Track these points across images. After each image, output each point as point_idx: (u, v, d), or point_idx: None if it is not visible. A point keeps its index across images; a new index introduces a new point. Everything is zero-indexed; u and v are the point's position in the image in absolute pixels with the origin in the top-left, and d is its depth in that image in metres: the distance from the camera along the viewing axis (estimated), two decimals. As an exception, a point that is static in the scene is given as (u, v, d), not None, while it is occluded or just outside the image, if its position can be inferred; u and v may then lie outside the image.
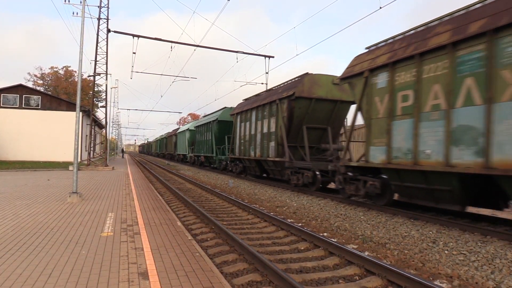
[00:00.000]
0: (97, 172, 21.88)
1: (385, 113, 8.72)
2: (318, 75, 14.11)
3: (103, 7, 25.62)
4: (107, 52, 26.04)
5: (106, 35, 25.56)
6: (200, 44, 21.97)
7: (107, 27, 25.21)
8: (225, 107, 24.68)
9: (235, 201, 11.39)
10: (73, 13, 27.08)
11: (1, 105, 29.43)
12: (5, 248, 5.13)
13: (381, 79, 8.90)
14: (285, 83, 15.55)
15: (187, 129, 35.30)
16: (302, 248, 6.64)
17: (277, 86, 16.40)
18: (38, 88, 52.45)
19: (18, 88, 30.23)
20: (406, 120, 8.08)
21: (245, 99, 20.24)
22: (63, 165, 25.34)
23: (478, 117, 6.50)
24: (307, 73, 14.28)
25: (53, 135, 29.71)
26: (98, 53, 25.67)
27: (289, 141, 14.28)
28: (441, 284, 4.95)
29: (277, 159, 14.62)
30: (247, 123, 18.10)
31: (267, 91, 17.52)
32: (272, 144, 15.15)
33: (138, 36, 21.16)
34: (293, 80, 14.98)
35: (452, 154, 6.95)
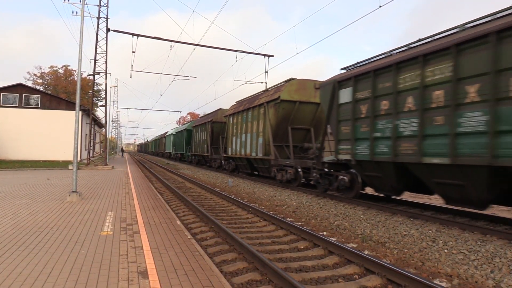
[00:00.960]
0: (97, 171, 21.88)
1: (231, 134, 20.00)
2: (226, 109, 24.21)
3: (103, 6, 25.58)
4: (106, 51, 26.01)
5: (105, 34, 25.53)
6: (199, 43, 21.94)
7: (107, 26, 25.19)
8: (192, 120, 38.80)
9: (235, 200, 11.39)
10: (72, 12, 27.01)
11: (1, 104, 29.35)
12: (4, 247, 5.13)
13: (231, 119, 20.18)
14: (212, 112, 28.15)
15: (171, 134, 46.67)
16: (302, 247, 6.64)
17: (210, 113, 29.07)
18: (37, 87, 52.38)
19: (18, 87, 30.16)
20: (236, 137, 19.30)
21: (200, 117, 35.63)
22: (63, 164, 25.33)
23: (246, 138, 17.68)
24: (220, 108, 26.17)
25: (53, 134, 29.65)
26: (97, 52, 25.65)
27: (213, 144, 26.01)
28: (440, 283, 4.96)
29: (206, 154, 27.06)
30: (197, 133, 30.43)
31: (208, 114, 29.87)
32: (205, 146, 27.36)
33: (138, 35, 21.12)
34: (214, 111, 27.15)
35: (242, 151, 18.19)
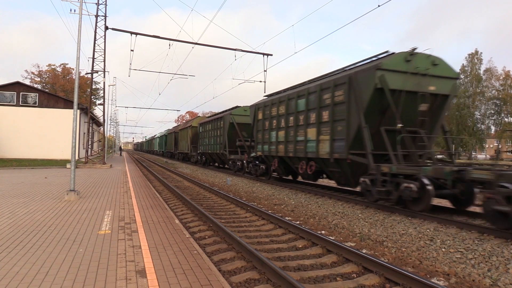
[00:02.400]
0: (95, 170, 21.84)
1: (180, 139, 38.56)
2: (181, 124, 46.43)
3: (101, 4, 25.49)
4: (104, 50, 25.92)
5: (104, 33, 25.43)
6: (198, 42, 21.88)
7: (105, 24, 25.10)
8: (168, 129, 54.83)
9: (233, 199, 11.39)
10: (70, 10, 26.83)
11: (-2, 103, 29.29)
12: (2, 246, 5.11)
13: (180, 132, 38.68)
14: (176, 125, 53.81)
15: (157, 137, 67.39)
16: (300, 246, 6.65)
17: (176, 125, 53.69)
18: (35, 85, 52.15)
19: (15, 86, 30.03)
20: (182, 141, 37.31)
21: (172, 127, 52.43)
22: (61, 163, 25.27)
23: (184, 142, 36.32)
24: (180, 124, 59.30)
25: (51, 132, 29.56)
26: (96, 50, 25.56)
27: (176, 145, 41.11)
28: (438, 282, 4.97)
29: (173, 151, 44.75)
30: (170, 138, 46.96)
31: (175, 126, 50.56)
32: (173, 145, 43.59)
33: (136, 34, 21.03)
34: (177, 125, 54.07)
35: (183, 148, 36.59)
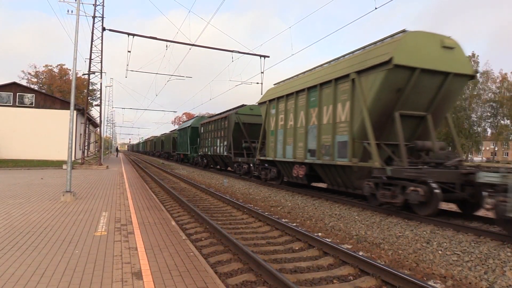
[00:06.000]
0: (91, 171, 21.75)
1: (165, 142, 53.47)
2: (170, 132, 51.44)
3: (98, 5, 25.43)
4: (102, 51, 25.86)
5: (101, 34, 25.37)
6: (195, 43, 21.86)
7: (102, 25, 25.04)
8: (153, 135, 78.99)
9: (230, 201, 11.37)
10: (68, 11, 26.75)
11: (-5, 103, 29.13)
12: (-3, 247, 5.07)
13: (161, 137, 59.09)
14: (163, 133, 62.09)
15: (144, 141, 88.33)
16: (297, 248, 6.64)
17: (162, 133, 61.74)
18: (32, 86, 51.96)
19: (12, 86, 29.87)
20: (165, 142, 53.09)
21: (159, 134, 70.55)
22: (57, 164, 25.14)
23: (166, 144, 51.53)
24: (165, 133, 57.98)
25: (47, 133, 29.40)
26: (93, 51, 25.50)
27: (162, 146, 55.41)
28: (435, 284, 4.98)
29: (158, 151, 61.38)
30: (157, 141, 61.27)
31: (161, 134, 64.07)
32: (160, 147, 57.47)
33: (133, 35, 20.95)
34: (163, 133, 61.35)
35: (166, 149, 50.93)
